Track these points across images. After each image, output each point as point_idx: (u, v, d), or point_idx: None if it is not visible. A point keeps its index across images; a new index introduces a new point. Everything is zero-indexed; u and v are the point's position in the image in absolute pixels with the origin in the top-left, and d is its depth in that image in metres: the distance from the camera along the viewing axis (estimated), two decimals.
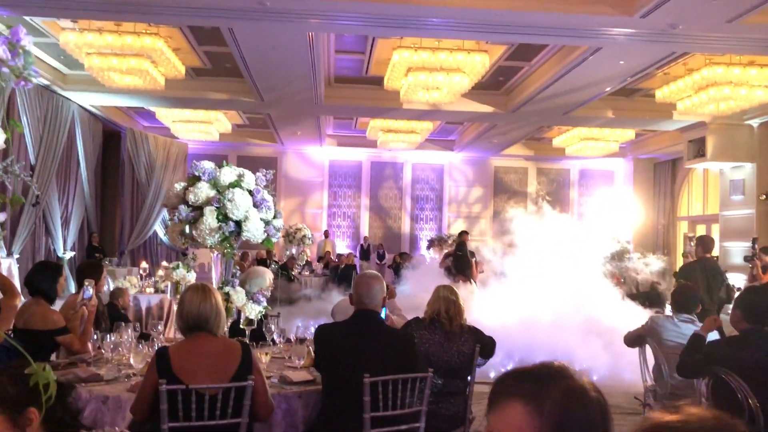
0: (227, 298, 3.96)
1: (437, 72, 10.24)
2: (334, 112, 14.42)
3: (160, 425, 2.88)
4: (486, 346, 4.23)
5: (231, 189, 3.92)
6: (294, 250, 15.33)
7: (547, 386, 1.20)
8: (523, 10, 7.97)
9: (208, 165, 4.02)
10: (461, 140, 17.74)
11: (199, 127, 15.08)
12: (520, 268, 11.25)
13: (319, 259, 16.67)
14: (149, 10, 8.25)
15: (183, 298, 3.10)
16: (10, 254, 10.77)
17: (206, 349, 3.05)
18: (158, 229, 15.91)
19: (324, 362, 3.43)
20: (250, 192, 4.01)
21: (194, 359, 3.00)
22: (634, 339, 5.10)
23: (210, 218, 3.81)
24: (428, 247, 18.25)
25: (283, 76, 11.12)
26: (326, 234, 18.19)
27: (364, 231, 18.84)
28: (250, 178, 4.06)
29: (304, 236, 15.12)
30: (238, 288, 4.06)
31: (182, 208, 3.89)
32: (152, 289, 8.50)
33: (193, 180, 4.01)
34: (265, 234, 4.04)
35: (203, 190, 3.90)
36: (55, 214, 12.91)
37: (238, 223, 3.93)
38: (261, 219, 4.01)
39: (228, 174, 4.00)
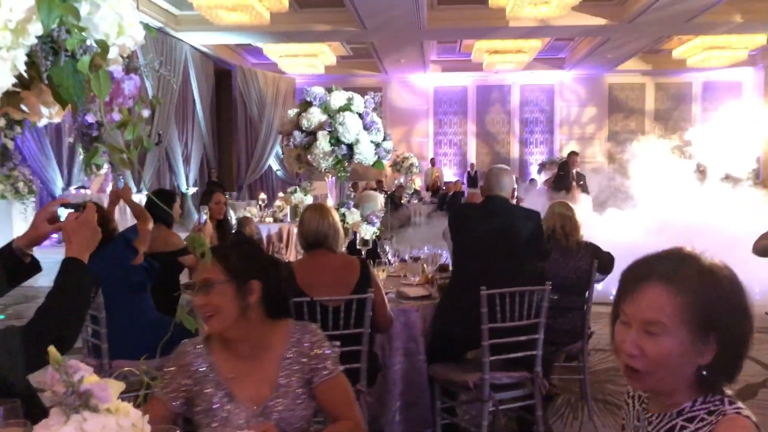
0: (342, 218, 4.09)
1: None
2: (438, 36, 14.12)
3: None
4: (604, 261, 4.15)
5: (341, 113, 3.98)
6: (402, 179, 15.47)
7: (682, 266, 1.21)
8: None
9: (318, 90, 4.10)
10: (572, 57, 16.92)
11: (305, 60, 15.27)
12: (635, 190, 10.84)
13: (427, 188, 16.73)
14: None
15: (302, 218, 3.24)
16: (139, 190, 11.57)
17: (327, 265, 3.20)
18: (272, 162, 16.49)
19: (458, 242, 3.71)
20: (360, 115, 4.06)
21: (316, 274, 3.15)
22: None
23: (323, 142, 3.91)
24: (539, 171, 17.83)
25: (385, 1, 10.97)
26: (433, 162, 18.16)
27: (471, 158, 18.64)
28: (359, 102, 4.11)
29: (412, 164, 15.19)
30: (353, 209, 4.19)
31: (296, 133, 4.01)
32: (271, 219, 8.90)
33: (305, 106, 4.11)
34: (376, 156, 4.10)
35: (315, 115, 3.99)
36: (177, 152, 13.66)
37: (350, 146, 4.00)
38: (371, 141, 4.07)
39: (338, 98, 4.06)
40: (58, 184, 10.27)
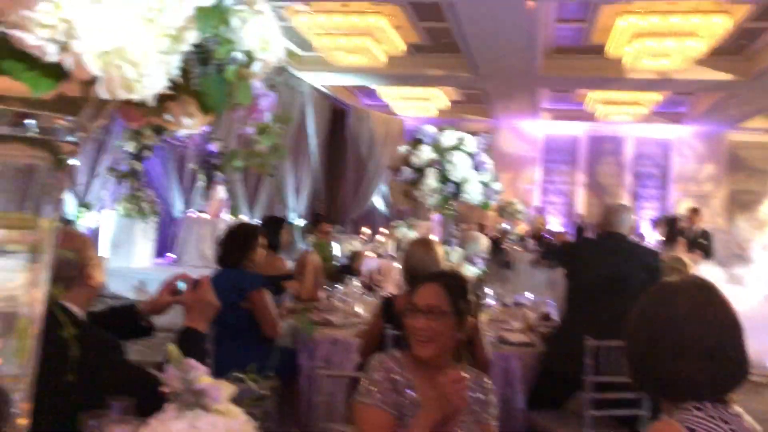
0: (446, 256, 4.07)
1: (667, 37, 9.48)
2: (552, 85, 13.99)
3: None
4: None
5: (451, 151, 4.01)
6: (505, 224, 15.26)
7: None
8: None
9: (430, 129, 4.15)
10: (692, 112, 16.25)
11: (417, 103, 15.56)
12: (756, 255, 10.12)
13: (531, 235, 16.39)
14: None
15: (408, 251, 3.26)
16: (253, 218, 12.07)
17: None
18: (376, 200, 16.77)
19: (572, 280, 3.70)
20: (470, 155, 4.07)
21: None
22: None
23: (431, 179, 3.93)
24: (653, 227, 17.06)
25: (501, 48, 11.01)
26: (539, 210, 17.81)
27: (579, 208, 18.14)
28: (470, 142, 4.12)
29: (516, 210, 14.97)
30: (457, 248, 4.17)
31: (405, 169, 4.06)
32: (372, 254, 9.01)
33: (416, 143, 4.16)
34: (483, 196, 4.08)
35: (425, 153, 4.04)
36: (288, 184, 14.18)
37: (458, 185, 4.01)
38: (479, 181, 4.05)
39: (449, 137, 4.09)
40: (178, 207, 10.88)
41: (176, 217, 10.66)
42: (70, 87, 0.80)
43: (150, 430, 1.00)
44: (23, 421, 0.94)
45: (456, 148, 4.05)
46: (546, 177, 18.50)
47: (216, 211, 10.24)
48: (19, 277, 0.90)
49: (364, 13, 10.09)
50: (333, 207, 16.92)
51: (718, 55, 11.14)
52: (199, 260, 9.82)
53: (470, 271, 4.22)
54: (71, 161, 0.98)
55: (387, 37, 10.60)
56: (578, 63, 12.36)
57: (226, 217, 10.28)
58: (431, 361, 1.98)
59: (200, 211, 10.52)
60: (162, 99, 0.95)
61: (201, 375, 1.05)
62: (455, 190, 4.01)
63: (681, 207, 17.17)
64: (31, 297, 0.93)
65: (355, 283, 4.31)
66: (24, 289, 0.91)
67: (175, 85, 0.80)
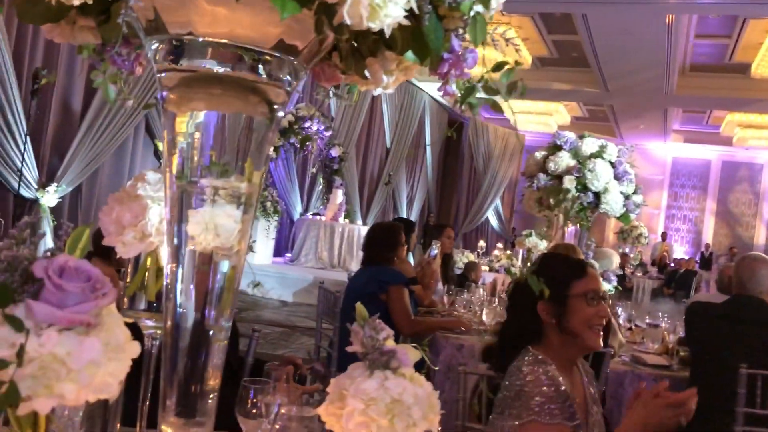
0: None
1: None
2: (686, 104, 13.28)
3: None
4: None
5: (592, 159, 3.84)
6: (627, 249, 14.58)
7: None
8: None
9: (570, 134, 4.00)
10: None
11: (538, 118, 15.23)
12: None
13: (653, 262, 15.58)
14: None
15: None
16: (366, 224, 12.21)
17: None
18: (490, 216, 16.53)
19: (693, 342, 3.21)
20: (612, 164, 3.88)
21: None
22: None
23: (570, 187, 3.78)
24: None
25: (633, 63, 10.58)
26: (663, 236, 16.90)
27: (707, 237, 17.06)
28: (612, 150, 3.93)
29: (640, 234, 14.27)
30: (592, 260, 3.97)
31: (541, 176, 3.93)
32: (486, 268, 8.86)
33: (554, 149, 4.02)
34: (624, 208, 3.88)
35: (564, 159, 3.89)
36: (402, 193, 14.26)
37: (597, 195, 3.83)
38: (621, 192, 3.85)
39: (590, 144, 3.92)
40: (298, 209, 11.19)
41: (296, 219, 10.96)
42: (297, 26, 0.80)
43: (339, 387, 0.97)
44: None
45: (597, 155, 3.88)
46: (672, 202, 17.56)
47: (334, 215, 10.44)
48: (235, 227, 0.91)
49: (491, 23, 9.99)
50: (445, 219, 16.86)
51: None
52: (315, 262, 10.03)
53: (604, 287, 4.01)
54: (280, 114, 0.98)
55: (513, 48, 10.46)
56: (717, 82, 11.66)
57: (343, 221, 10.45)
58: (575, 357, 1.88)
59: (318, 215, 10.78)
60: (357, 55, 0.94)
61: (389, 337, 1.02)
62: (594, 200, 3.83)
63: None
64: (241, 248, 0.94)
65: (480, 291, 4.21)
66: (236, 240, 0.92)
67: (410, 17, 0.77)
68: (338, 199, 10.53)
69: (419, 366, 1.11)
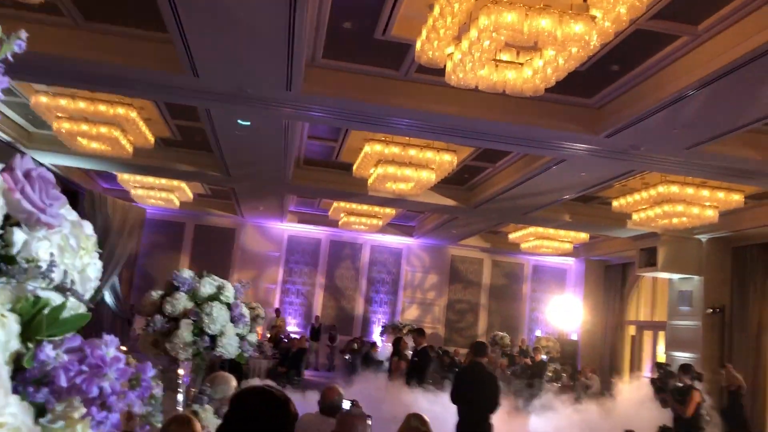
0: (196, 415, 3.83)
1: (406, 167, 10.46)
2: (301, 193, 14.48)
3: None
4: None
5: (209, 303, 3.85)
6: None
7: None
8: (495, 120, 8.25)
9: (187, 274, 3.96)
10: (421, 227, 17.95)
11: (159, 194, 14.90)
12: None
13: (269, 338, 16.28)
14: (128, 84, 8.24)
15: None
16: None
17: None
18: (106, 294, 15.40)
19: None
20: (229, 306, 3.95)
21: None
22: None
23: (185, 332, 3.72)
24: (381, 334, 18.07)
25: (254, 155, 11.17)
26: (278, 312, 17.87)
27: (317, 310, 18.63)
28: (229, 291, 4.01)
29: (258, 316, 14.85)
30: (207, 406, 3.94)
31: (158, 318, 3.79)
32: None
33: (170, 289, 3.93)
34: (239, 350, 3.96)
35: (181, 302, 3.82)
36: None
37: (213, 338, 3.84)
38: (237, 334, 3.94)
39: (207, 286, 3.94)
40: None
41: None
42: None
43: None
44: None
45: (215, 297, 3.91)
46: (287, 277, 18.78)
47: None
48: None
49: (113, 103, 9.54)
50: None
51: (446, 184, 12.55)
52: None
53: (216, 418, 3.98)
54: None
55: (136, 128, 10.11)
56: (327, 176, 13.01)
57: None
58: None
59: None
60: None
61: None
62: (210, 343, 3.83)
63: (407, 313, 18.56)
64: None
65: None
66: None
67: None
68: None
69: None
